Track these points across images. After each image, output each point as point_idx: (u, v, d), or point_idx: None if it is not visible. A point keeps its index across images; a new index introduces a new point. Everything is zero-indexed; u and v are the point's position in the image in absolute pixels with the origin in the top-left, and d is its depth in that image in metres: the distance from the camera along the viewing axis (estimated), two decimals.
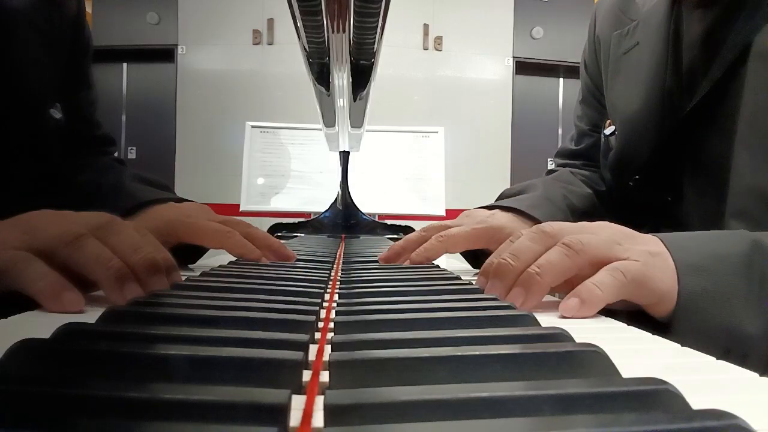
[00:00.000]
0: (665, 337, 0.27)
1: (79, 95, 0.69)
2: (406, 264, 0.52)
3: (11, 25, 0.54)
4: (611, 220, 0.39)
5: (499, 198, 0.69)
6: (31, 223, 0.34)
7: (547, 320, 0.29)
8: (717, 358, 0.23)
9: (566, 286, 0.35)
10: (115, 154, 0.79)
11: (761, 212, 0.48)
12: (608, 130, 0.70)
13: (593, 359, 0.19)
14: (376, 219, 1.26)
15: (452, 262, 0.66)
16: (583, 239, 0.34)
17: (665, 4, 0.61)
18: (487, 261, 0.38)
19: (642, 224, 0.44)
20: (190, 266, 0.57)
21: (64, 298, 0.29)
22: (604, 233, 0.36)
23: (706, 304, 0.33)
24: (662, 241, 0.37)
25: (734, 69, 0.51)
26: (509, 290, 0.35)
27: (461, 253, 0.61)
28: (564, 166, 0.82)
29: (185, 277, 0.39)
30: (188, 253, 0.55)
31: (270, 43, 3.62)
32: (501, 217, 0.57)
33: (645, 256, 0.34)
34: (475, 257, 0.59)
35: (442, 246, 0.51)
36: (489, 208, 0.62)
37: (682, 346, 0.26)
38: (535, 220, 0.57)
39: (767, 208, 0.48)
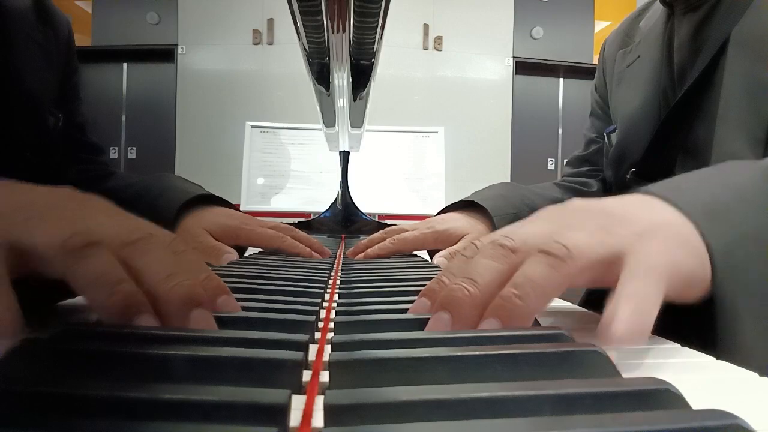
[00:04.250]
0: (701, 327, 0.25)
1: (71, 107, 0.75)
2: (361, 258, 0.61)
3: (14, 37, 0.62)
4: None
5: None
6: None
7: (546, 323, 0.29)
8: None
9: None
10: (115, 155, 0.83)
11: None
12: (610, 129, 0.75)
13: (593, 359, 0.19)
14: (376, 219, 1.26)
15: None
16: (567, 241, 0.26)
17: (662, 20, 0.67)
18: (431, 283, 0.29)
19: None
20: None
21: None
22: (585, 224, 0.28)
23: (745, 255, 0.27)
24: (653, 195, 0.31)
25: (716, 60, 0.56)
26: (470, 325, 0.25)
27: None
28: (572, 174, 0.86)
29: None
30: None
31: (270, 43, 3.61)
32: (449, 220, 0.64)
33: (653, 237, 0.26)
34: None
35: (393, 247, 0.61)
36: (446, 210, 0.68)
37: (733, 319, 0.24)
38: (486, 217, 0.62)
39: None
